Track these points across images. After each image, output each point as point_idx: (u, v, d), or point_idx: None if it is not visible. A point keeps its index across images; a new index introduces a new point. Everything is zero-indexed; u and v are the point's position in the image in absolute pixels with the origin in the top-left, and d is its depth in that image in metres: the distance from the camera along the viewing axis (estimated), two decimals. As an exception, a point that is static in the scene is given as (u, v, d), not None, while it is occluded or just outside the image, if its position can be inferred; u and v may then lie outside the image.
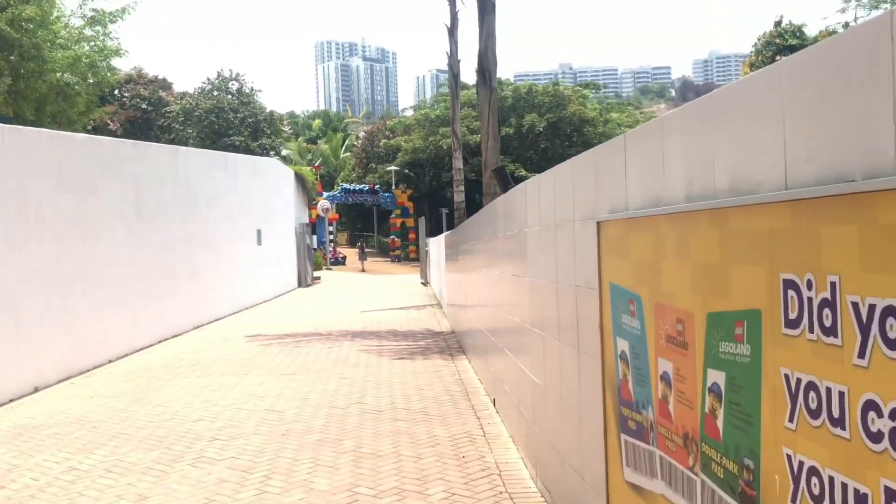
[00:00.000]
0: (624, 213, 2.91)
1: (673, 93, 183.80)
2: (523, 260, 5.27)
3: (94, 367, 10.76)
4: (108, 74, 29.50)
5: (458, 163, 22.48)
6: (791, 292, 1.63)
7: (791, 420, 1.64)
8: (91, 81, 29.44)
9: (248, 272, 20.86)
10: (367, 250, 44.61)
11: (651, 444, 2.58)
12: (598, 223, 3.17)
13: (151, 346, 13.19)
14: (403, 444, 6.09)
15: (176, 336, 14.49)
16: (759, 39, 42.25)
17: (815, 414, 1.55)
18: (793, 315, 1.63)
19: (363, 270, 41.45)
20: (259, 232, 22.28)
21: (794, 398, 1.63)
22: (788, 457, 1.66)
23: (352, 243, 54.70)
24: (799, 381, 1.61)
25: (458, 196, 22.38)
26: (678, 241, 2.32)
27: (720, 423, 2.02)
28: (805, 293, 1.57)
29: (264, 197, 23.34)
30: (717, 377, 2.03)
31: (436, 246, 22.27)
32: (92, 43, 28.63)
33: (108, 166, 11.98)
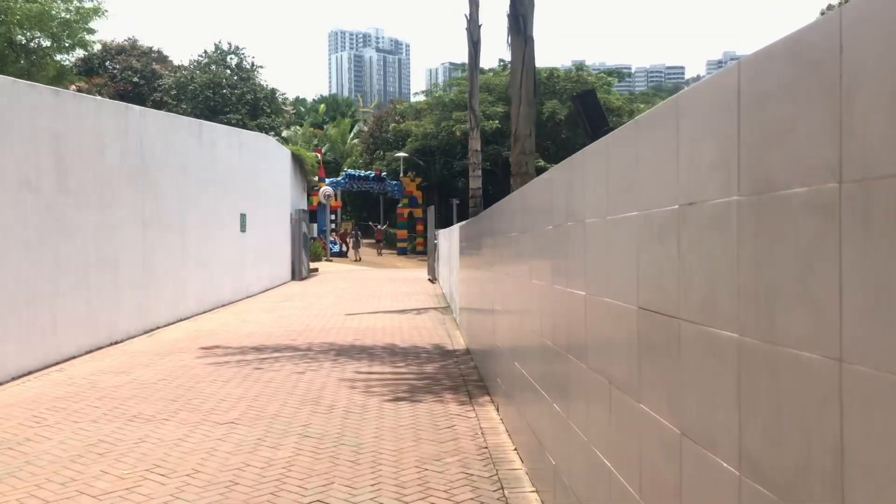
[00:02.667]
0: None
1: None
2: (636, 275, 2.12)
3: (-36, 396, 7.64)
4: (86, 36, 26.34)
5: (476, 143, 19.25)
6: None
7: None
8: (67, 44, 26.36)
9: (228, 263, 17.73)
10: (362, 240, 41.81)
11: None
12: None
13: (75, 357, 10.08)
14: None
15: (116, 343, 11.38)
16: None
17: None
18: None
19: (358, 260, 38.52)
20: (243, 216, 19.15)
21: None
22: None
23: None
24: None
25: (475, 182, 19.14)
26: None
27: None
28: None
29: (251, 177, 20.18)
30: None
31: (447, 239, 19.05)
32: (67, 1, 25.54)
33: (5, 119, 8.84)
